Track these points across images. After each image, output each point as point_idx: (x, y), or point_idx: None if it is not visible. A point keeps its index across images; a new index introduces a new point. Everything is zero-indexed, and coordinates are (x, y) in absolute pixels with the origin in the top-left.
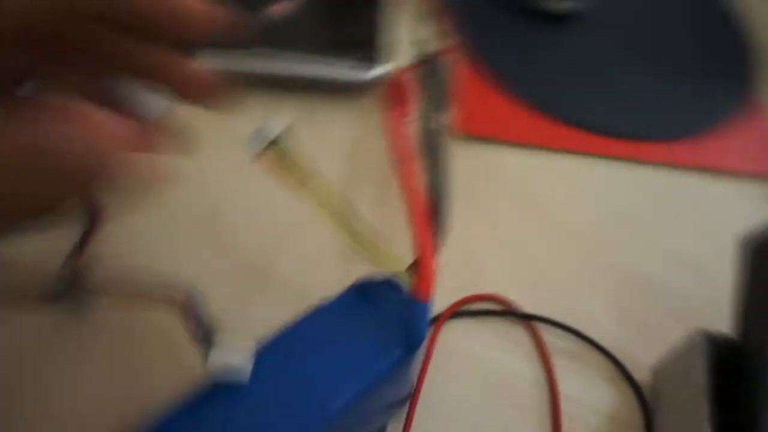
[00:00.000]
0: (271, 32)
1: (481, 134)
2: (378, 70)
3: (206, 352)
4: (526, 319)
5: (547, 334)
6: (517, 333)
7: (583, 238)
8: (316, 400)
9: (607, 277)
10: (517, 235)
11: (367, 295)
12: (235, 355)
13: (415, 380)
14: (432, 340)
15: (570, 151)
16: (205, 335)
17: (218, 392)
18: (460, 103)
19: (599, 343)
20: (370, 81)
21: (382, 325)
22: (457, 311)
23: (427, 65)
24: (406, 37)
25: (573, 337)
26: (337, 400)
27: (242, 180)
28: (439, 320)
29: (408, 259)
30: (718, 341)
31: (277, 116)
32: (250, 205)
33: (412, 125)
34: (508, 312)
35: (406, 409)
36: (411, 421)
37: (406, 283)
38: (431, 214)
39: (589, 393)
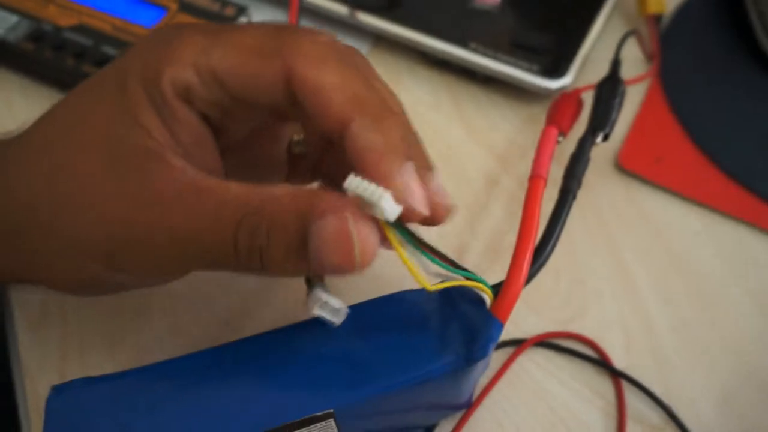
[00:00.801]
0: (469, 21)
1: (642, 174)
2: (560, 82)
3: (311, 288)
4: (617, 375)
5: (634, 398)
6: (600, 385)
7: (721, 318)
8: (358, 376)
9: (729, 368)
10: (643, 288)
11: (447, 297)
12: (335, 300)
13: (475, 392)
14: (509, 361)
15: (745, 222)
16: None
17: (312, 325)
18: (632, 135)
19: (689, 429)
20: (549, 90)
21: (449, 329)
22: (546, 342)
23: (607, 87)
24: (605, 55)
25: (661, 412)
26: (377, 384)
27: None
28: (523, 344)
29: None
30: None
31: (388, 195)
32: None
33: (565, 145)
34: (599, 361)
35: (459, 416)
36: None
37: (488, 297)
38: (540, 241)
39: None
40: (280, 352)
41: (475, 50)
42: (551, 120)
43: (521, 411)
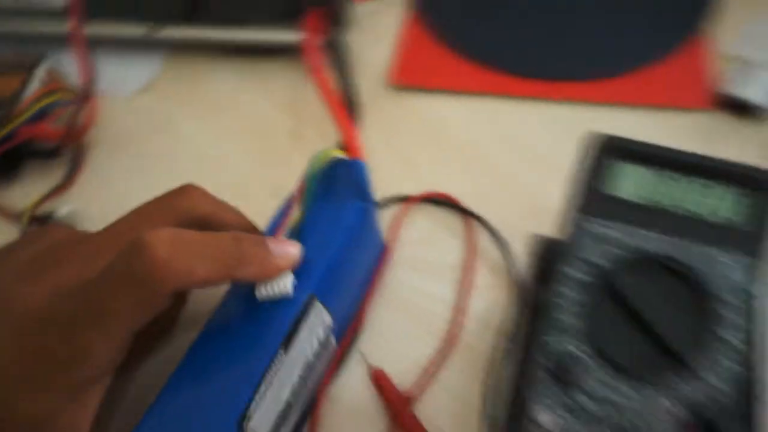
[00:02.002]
0: (227, 6)
1: (414, 84)
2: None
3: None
4: (467, 214)
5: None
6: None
7: (505, 176)
8: (310, 264)
9: (521, 206)
10: (437, 174)
11: (327, 177)
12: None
13: (383, 248)
14: (401, 216)
15: (502, 96)
16: None
17: None
18: (398, 55)
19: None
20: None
21: (339, 194)
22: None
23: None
24: None
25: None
26: (328, 252)
27: None
28: (407, 200)
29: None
30: (546, 241)
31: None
32: None
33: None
34: (454, 205)
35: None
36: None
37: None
38: (346, 107)
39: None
40: (243, 298)
41: (262, 26)
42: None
43: (410, 251)
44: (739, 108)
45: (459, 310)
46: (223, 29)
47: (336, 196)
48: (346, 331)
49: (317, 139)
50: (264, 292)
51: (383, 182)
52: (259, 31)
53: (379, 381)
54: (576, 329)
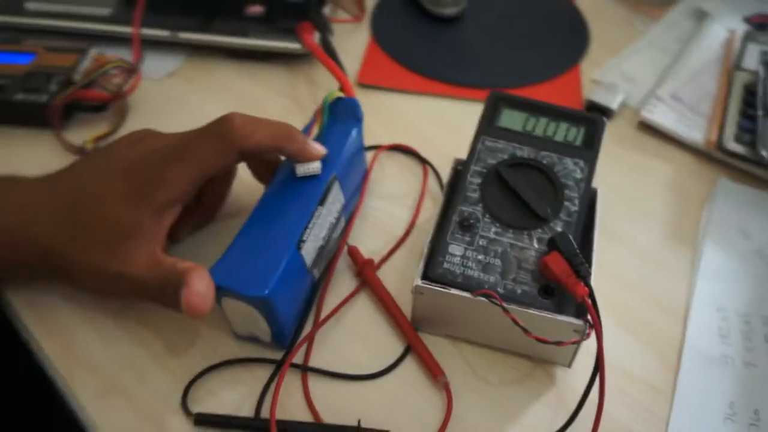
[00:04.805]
0: (249, 23)
1: (374, 83)
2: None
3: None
4: (423, 162)
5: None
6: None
7: (434, 141)
8: (330, 150)
9: (447, 158)
10: (395, 140)
11: (333, 114)
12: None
13: (366, 169)
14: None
15: (441, 96)
16: None
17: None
18: (363, 62)
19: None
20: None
21: (343, 116)
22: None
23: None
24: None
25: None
26: (341, 153)
27: None
28: (379, 148)
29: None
30: (460, 160)
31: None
32: None
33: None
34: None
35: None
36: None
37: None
38: (335, 61)
39: None
40: (287, 178)
41: (257, 37)
42: (303, 33)
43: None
44: (601, 110)
45: (409, 222)
46: (229, 37)
47: (340, 121)
48: (346, 227)
49: (305, 114)
50: (302, 170)
51: None
52: (259, 40)
53: (352, 252)
54: (476, 200)
